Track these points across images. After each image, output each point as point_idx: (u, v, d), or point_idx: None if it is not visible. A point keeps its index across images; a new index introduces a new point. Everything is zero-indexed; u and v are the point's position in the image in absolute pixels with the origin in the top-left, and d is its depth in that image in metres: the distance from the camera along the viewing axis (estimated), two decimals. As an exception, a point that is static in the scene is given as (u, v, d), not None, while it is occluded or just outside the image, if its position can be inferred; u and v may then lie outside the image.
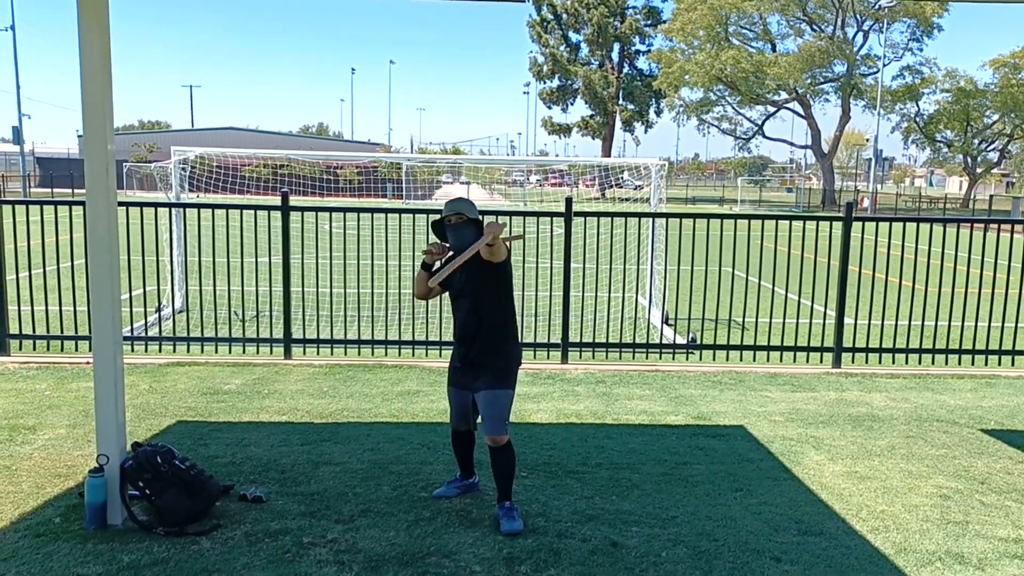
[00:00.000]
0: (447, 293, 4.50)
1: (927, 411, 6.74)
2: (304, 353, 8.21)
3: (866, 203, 51.25)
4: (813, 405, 6.87)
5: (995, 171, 59.17)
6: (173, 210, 10.34)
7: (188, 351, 8.17)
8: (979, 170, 56.04)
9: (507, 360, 4.34)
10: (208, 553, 3.93)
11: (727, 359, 8.35)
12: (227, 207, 8.11)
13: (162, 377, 7.28)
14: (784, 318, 8.63)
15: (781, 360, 8.35)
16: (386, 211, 8.23)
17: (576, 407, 6.63)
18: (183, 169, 11.28)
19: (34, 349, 8.14)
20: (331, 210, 8.25)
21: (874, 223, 8.57)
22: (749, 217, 8.35)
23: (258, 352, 8.20)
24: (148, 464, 4.22)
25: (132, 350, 8.18)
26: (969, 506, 4.69)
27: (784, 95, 53.22)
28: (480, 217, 4.44)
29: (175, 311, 9.86)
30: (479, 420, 4.46)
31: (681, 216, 8.76)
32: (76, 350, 8.11)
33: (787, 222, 8.58)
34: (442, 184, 59.93)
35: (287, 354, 8.07)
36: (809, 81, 51.10)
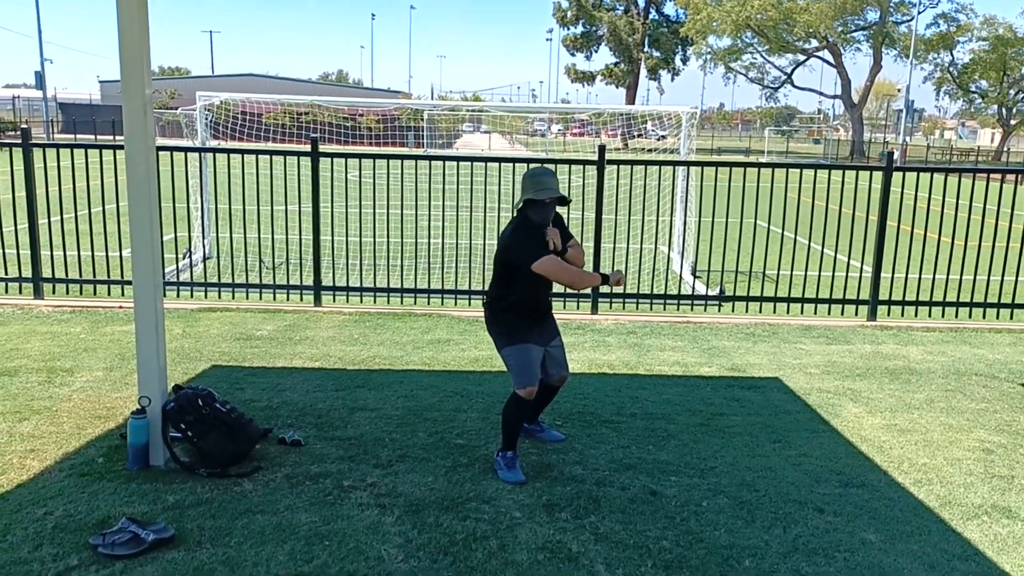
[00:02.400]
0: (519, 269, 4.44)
1: (965, 365, 6.65)
2: (334, 301, 8.21)
3: (895, 155, 50.33)
4: (849, 358, 6.80)
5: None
6: (200, 156, 10.30)
7: (219, 297, 8.19)
8: (1013, 121, 54.75)
9: None
10: (250, 495, 3.96)
11: (760, 311, 8.26)
12: (257, 152, 8.05)
13: (195, 322, 7.31)
14: (820, 271, 8.49)
15: (815, 312, 8.25)
16: (416, 158, 8.13)
17: (608, 357, 6.59)
18: (206, 116, 11.22)
19: (67, 293, 8.19)
20: (361, 156, 8.17)
21: (914, 173, 8.36)
22: (788, 166, 8.17)
23: (288, 299, 8.21)
24: (190, 406, 4.24)
25: (164, 295, 8.19)
26: (1014, 460, 4.63)
27: (814, 43, 51.99)
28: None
29: (204, 257, 9.89)
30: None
31: (717, 165, 8.59)
32: (108, 294, 8.15)
33: (825, 172, 8.40)
34: (462, 133, 59.46)
35: (317, 301, 8.07)
36: (840, 29, 49.83)
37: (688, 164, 8.63)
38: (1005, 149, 51.29)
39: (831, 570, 3.37)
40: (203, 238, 10.22)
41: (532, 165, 4.36)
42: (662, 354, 6.75)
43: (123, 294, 8.13)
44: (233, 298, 8.19)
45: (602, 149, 7.83)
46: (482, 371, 6.16)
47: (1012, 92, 53.32)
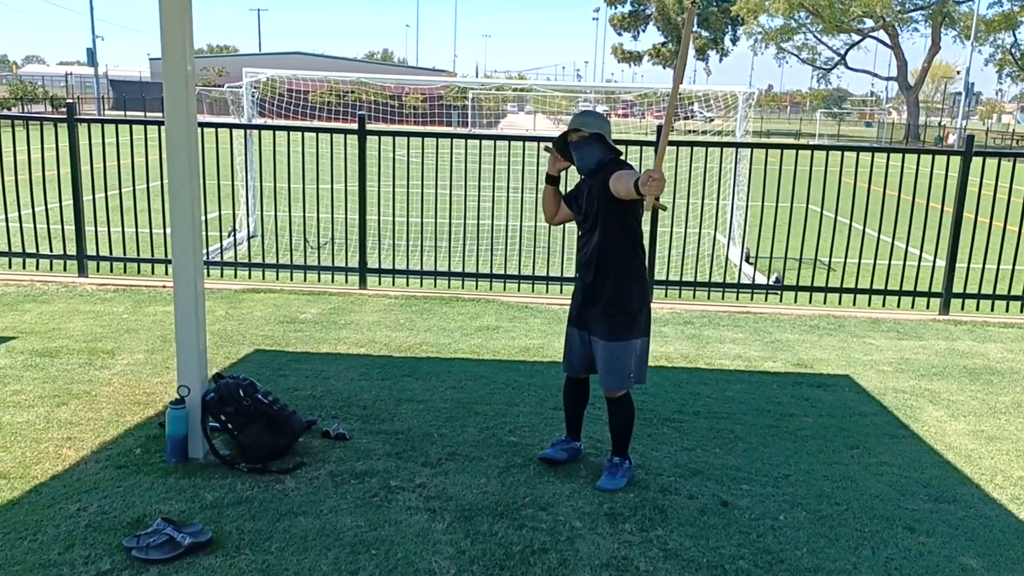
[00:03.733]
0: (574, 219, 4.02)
1: (1051, 365, 6.19)
2: (379, 283, 7.98)
3: (951, 139, 48.78)
4: (923, 355, 6.38)
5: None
6: (245, 133, 10.12)
7: (264, 278, 8.01)
8: (1078, 106, 52.63)
9: (629, 306, 3.79)
10: (293, 493, 3.72)
11: (824, 301, 7.84)
12: (303, 130, 7.82)
13: (238, 304, 7.13)
14: (878, 259, 8.04)
15: (884, 305, 7.80)
16: (465, 137, 7.83)
17: (665, 349, 6.26)
18: (252, 93, 11.05)
19: (111, 271, 8.07)
20: (409, 135, 7.89)
21: (996, 159, 7.85)
22: (858, 149, 7.71)
23: (333, 281, 8.00)
24: (230, 397, 4.01)
25: (208, 275, 8.05)
26: (1120, 476, 4.22)
27: (870, 23, 50.46)
28: (607, 131, 3.84)
29: (249, 236, 9.73)
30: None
31: (783, 147, 8.14)
32: (152, 273, 8.02)
33: (883, 157, 7.91)
34: (507, 113, 58.97)
35: (362, 283, 7.84)
36: (898, 8, 48.28)
37: (752, 146, 8.19)
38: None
39: (930, 601, 3.03)
40: (247, 216, 10.07)
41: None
42: (722, 347, 6.40)
43: (167, 273, 7.98)
44: (277, 279, 8.00)
45: (660, 128, 7.44)
46: (533, 361, 5.87)
47: (1078, 75, 51.25)
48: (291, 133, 7.75)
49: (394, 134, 7.87)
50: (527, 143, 7.93)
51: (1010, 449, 4.55)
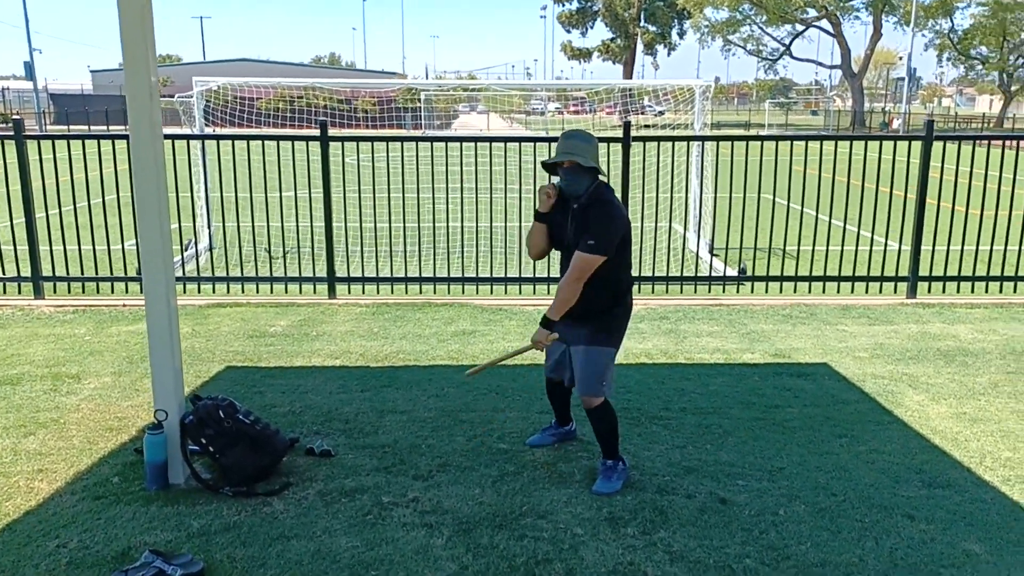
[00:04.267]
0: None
1: (1020, 344, 6.29)
2: (349, 292, 7.83)
3: (896, 124, 49.80)
4: (896, 339, 6.44)
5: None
6: (202, 143, 9.90)
7: (228, 291, 7.81)
8: (1015, 87, 54.18)
9: (609, 316, 3.81)
10: (282, 516, 3.60)
11: (795, 290, 7.88)
12: (264, 138, 7.64)
13: (204, 319, 6.94)
14: (856, 247, 8.13)
15: (853, 291, 7.87)
16: (431, 139, 7.72)
17: (644, 346, 6.23)
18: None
19: (69, 291, 7.81)
20: (373, 139, 7.76)
21: (956, 142, 7.97)
22: (821, 139, 7.77)
23: (301, 291, 7.84)
24: (210, 419, 3.87)
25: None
26: (1103, 452, 4.28)
27: (813, 13, 51.30)
28: (597, 158, 3.75)
29: (210, 247, 9.49)
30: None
31: (748, 139, 8.18)
32: (112, 291, 7.77)
33: (852, 145, 7.99)
34: (459, 114, 58.75)
35: (331, 293, 7.69)
36: (840, -3, 49.16)
37: (718, 139, 8.21)
38: (1012, 116, 50.69)
39: (940, 590, 3.03)
40: (207, 227, 9.83)
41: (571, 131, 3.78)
42: (700, 340, 6.39)
43: (127, 291, 7.76)
44: (243, 292, 7.81)
45: (627, 126, 7.43)
46: (513, 365, 5.76)
47: (1012, 58, 52.72)
48: (251, 142, 7.56)
49: (358, 139, 7.72)
50: (493, 144, 7.84)
51: (994, 430, 4.60)
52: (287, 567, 3.19)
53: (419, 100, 43.04)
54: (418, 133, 35.14)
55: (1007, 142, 8.70)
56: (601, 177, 3.76)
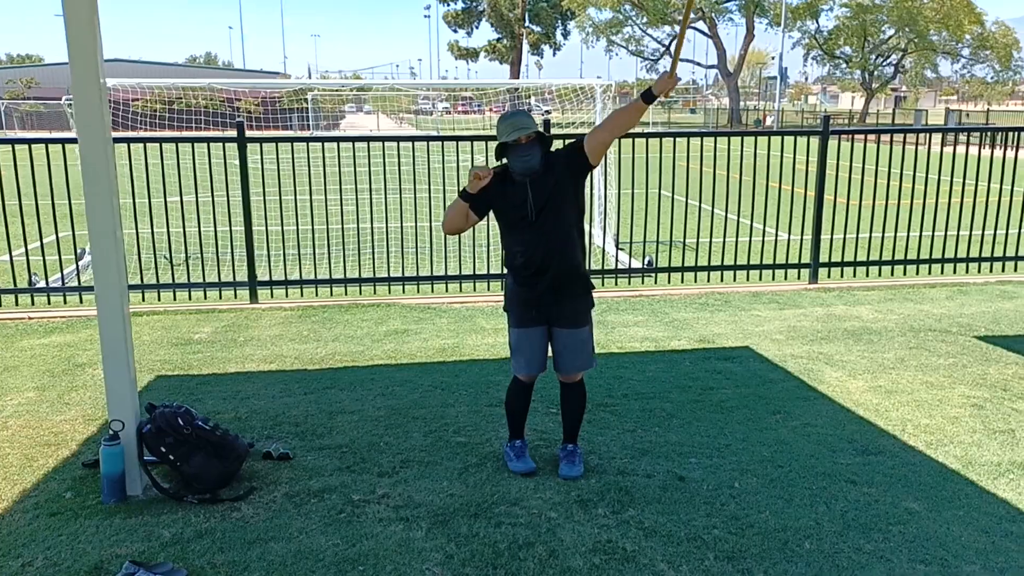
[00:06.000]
0: (498, 219, 3.93)
1: (916, 322, 6.81)
2: (271, 296, 7.70)
3: (769, 120, 52.31)
4: (806, 322, 6.86)
5: (890, 86, 61.00)
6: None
7: (143, 300, 7.54)
8: (875, 85, 57.77)
9: (590, 288, 3.97)
10: (254, 520, 3.56)
11: (708, 280, 8.26)
12: (178, 140, 7.42)
13: (122, 329, 6.67)
14: (763, 237, 8.59)
15: (761, 279, 8.31)
16: (354, 139, 7.68)
17: (576, 337, 6.40)
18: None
19: (-35, 306, 7.36)
20: (294, 140, 7.65)
21: (849, 136, 8.53)
22: (729, 134, 8.18)
23: (221, 297, 7.65)
24: (169, 427, 3.78)
25: (65, 302, 7.51)
26: (1006, 414, 4.72)
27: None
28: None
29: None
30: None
31: (662, 136, 8.50)
32: (16, 304, 7.38)
33: (764, 139, 8.45)
34: (346, 114, 57.87)
35: (253, 297, 7.54)
36: (715, 0, 51.18)
37: (648, 136, 8.47)
38: (878, 112, 53.99)
39: (892, 545, 3.30)
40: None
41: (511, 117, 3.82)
42: (628, 330, 6.63)
43: (33, 303, 7.39)
44: (159, 300, 7.56)
45: (547, 124, 7.59)
46: (453, 361, 5.87)
47: (873, 57, 56.21)
48: (163, 144, 7.32)
49: (277, 140, 7.60)
50: (401, 144, 7.87)
51: (908, 400, 4.99)
52: (271, 569, 3.18)
53: (306, 100, 42.24)
54: (306, 134, 34.46)
55: (893, 136, 9.36)
56: None
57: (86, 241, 9.34)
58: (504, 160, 3.82)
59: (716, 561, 3.20)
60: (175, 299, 7.54)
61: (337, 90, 39.51)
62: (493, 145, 3.91)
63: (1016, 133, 8.64)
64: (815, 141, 8.02)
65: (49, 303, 7.49)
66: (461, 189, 3.83)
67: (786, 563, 3.18)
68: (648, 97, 3.70)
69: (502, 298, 4.08)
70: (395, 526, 3.50)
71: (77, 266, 8.26)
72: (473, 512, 3.62)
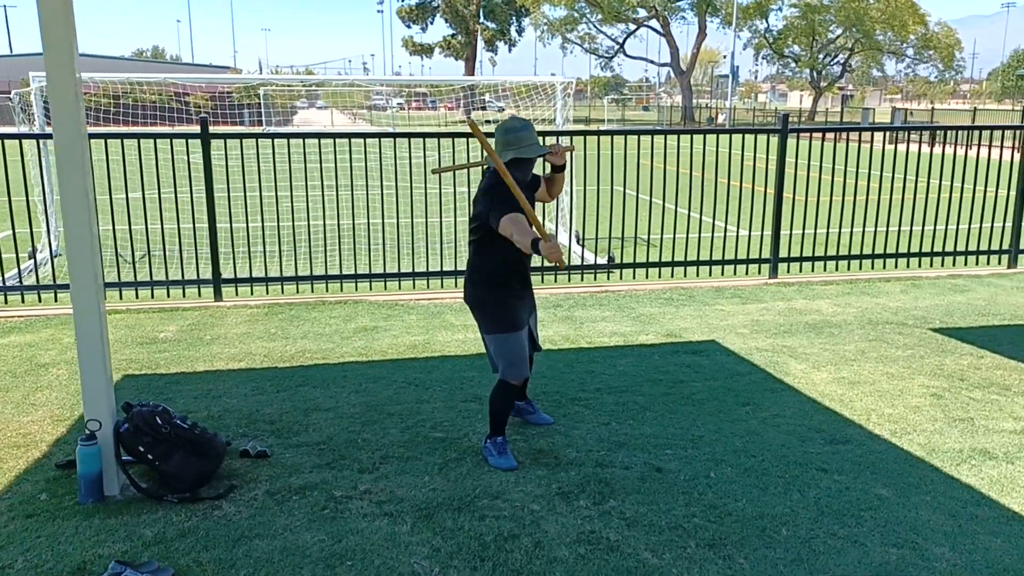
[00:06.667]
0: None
1: (874, 315, 7.02)
2: (236, 293, 7.62)
3: (721, 118, 53.04)
4: (769, 315, 7.02)
5: (837, 84, 62.28)
6: (39, 143, 9.32)
7: (104, 297, 7.39)
8: (823, 84, 58.94)
9: None
10: (236, 518, 3.55)
11: (672, 275, 8.38)
12: (139, 136, 7.30)
13: (84, 328, 6.55)
14: (724, 234, 8.75)
15: (723, 273, 8.46)
16: (319, 135, 7.63)
17: (546, 332, 6.47)
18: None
19: (-83, 306, 7.16)
20: (258, 136, 7.58)
21: (808, 134, 8.73)
22: (693, 132, 8.32)
23: (184, 295, 7.55)
24: (147, 426, 3.75)
25: (23, 301, 7.36)
26: (964, 403, 4.90)
27: (644, 13, 53.70)
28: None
29: (53, 255, 8.89)
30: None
31: (626, 133, 8.60)
32: (-29, 304, 7.19)
33: (724, 137, 8.61)
34: (298, 110, 57.19)
35: (217, 295, 7.46)
36: (668, -2, 51.75)
37: (599, 134, 8.56)
38: (826, 110, 55.07)
39: (865, 530, 3.42)
40: (47, 234, 9.16)
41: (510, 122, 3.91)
42: (596, 325, 6.71)
43: (-12, 302, 7.22)
44: (121, 298, 7.43)
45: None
46: (425, 357, 5.89)
47: (821, 56, 57.34)
48: (125, 140, 7.19)
49: (241, 136, 7.51)
50: (368, 140, 7.84)
51: (871, 391, 5.15)
52: (259, 566, 3.17)
53: (258, 96, 41.73)
54: (259, 130, 34.02)
55: (849, 135, 9.60)
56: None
57: (39, 238, 9.19)
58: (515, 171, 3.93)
59: (698, 549, 3.29)
60: (137, 297, 7.43)
61: (290, 86, 39.14)
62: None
63: (969, 132, 8.93)
64: (774, 139, 8.21)
65: (6, 302, 7.32)
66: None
67: (765, 549, 3.27)
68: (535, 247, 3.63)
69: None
70: (380, 521, 3.52)
71: (36, 263, 8.09)
72: (456, 506, 3.66)
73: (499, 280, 4.04)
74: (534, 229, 3.72)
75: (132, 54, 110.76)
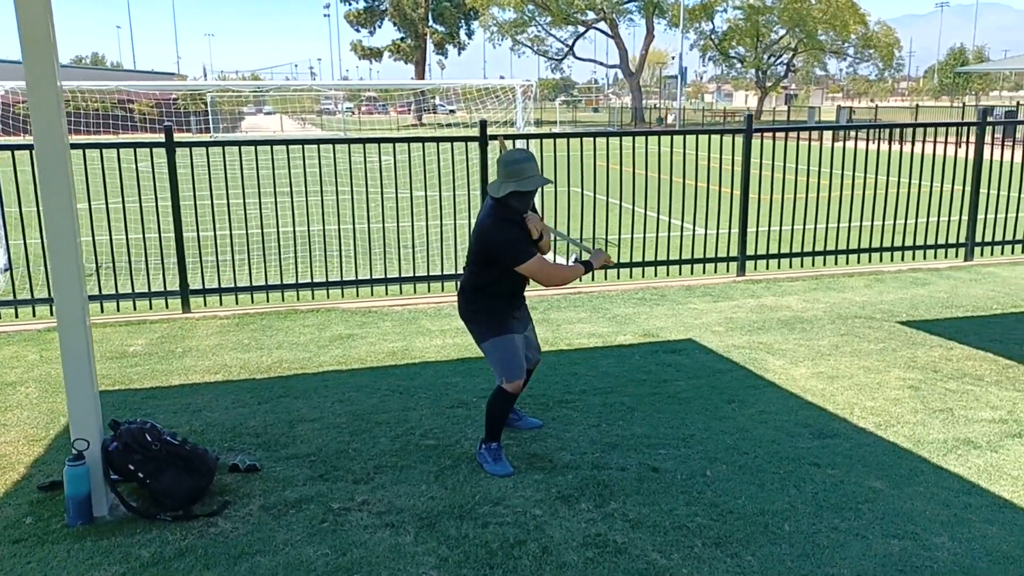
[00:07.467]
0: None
1: (842, 309, 7.15)
2: (205, 304, 7.47)
3: (671, 119, 53.68)
4: (741, 313, 7.11)
5: (782, 84, 63.49)
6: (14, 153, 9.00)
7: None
8: (768, 84, 60.03)
9: None
10: (234, 534, 3.47)
11: (643, 275, 8.44)
12: (102, 146, 7.11)
13: (49, 344, 6.37)
14: (693, 234, 8.85)
15: (692, 272, 8.55)
16: (287, 143, 7.53)
17: (523, 336, 6.46)
18: None
19: None
20: (224, 144, 7.44)
21: (771, 134, 8.88)
22: (659, 134, 8.41)
23: (151, 307, 7.37)
24: (136, 444, 3.65)
25: None
26: (941, 394, 5.02)
27: (592, 15, 54.10)
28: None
29: (8, 268, 8.61)
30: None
31: (596, 135, 8.63)
32: (-74, 322, 6.93)
33: (685, 137, 8.70)
34: (245, 116, 56.40)
35: (185, 307, 7.30)
36: (616, 1, 52.18)
37: (596, 135, 8.56)
38: (773, 110, 56.05)
39: (864, 523, 3.48)
40: (2, 247, 8.86)
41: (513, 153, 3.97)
42: (573, 327, 6.72)
43: (-55, 320, 6.96)
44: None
45: (483, 124, 7.62)
46: (406, 364, 5.84)
47: (766, 56, 58.40)
48: (87, 150, 7.00)
49: (207, 144, 7.37)
50: (336, 146, 7.76)
51: (850, 385, 5.25)
52: (264, 583, 3.11)
53: (204, 103, 41.06)
54: (207, 137, 33.42)
55: (801, 134, 9.78)
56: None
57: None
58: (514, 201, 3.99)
59: (705, 548, 3.31)
60: (103, 311, 7.23)
61: (238, 91, 38.53)
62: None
63: (925, 129, 9.16)
64: (739, 139, 8.33)
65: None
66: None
67: (771, 545, 3.31)
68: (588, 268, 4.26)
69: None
70: (382, 532, 3.48)
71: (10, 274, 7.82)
72: (458, 514, 3.63)
73: (492, 292, 4.08)
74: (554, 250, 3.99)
75: (71, 61, 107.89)
